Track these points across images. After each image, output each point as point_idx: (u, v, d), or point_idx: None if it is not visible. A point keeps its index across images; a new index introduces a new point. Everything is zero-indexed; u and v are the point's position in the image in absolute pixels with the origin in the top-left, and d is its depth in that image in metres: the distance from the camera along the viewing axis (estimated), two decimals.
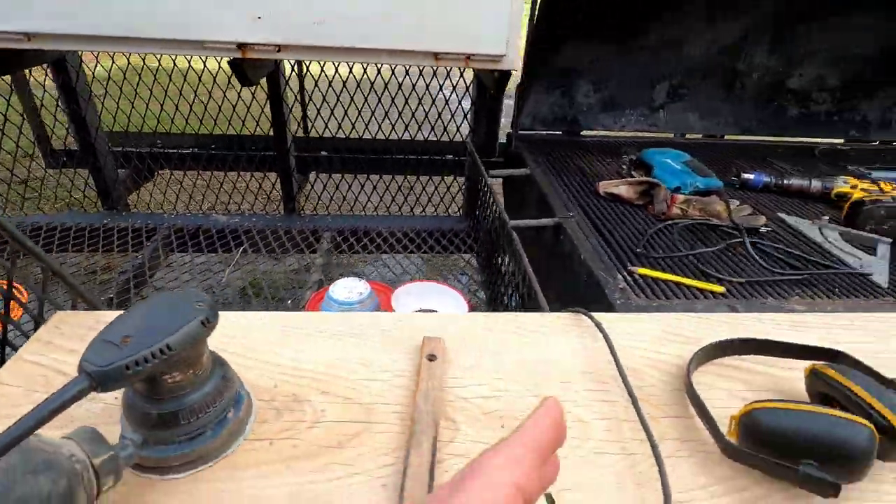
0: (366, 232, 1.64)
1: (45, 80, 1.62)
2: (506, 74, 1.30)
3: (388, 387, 0.61)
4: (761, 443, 0.50)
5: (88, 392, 0.42)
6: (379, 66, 1.68)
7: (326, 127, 1.83)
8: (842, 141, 1.87)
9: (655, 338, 0.69)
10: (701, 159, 1.31)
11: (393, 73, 1.76)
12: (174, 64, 1.78)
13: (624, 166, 1.34)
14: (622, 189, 1.19)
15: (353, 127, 1.79)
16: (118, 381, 0.42)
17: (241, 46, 1.13)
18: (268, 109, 1.57)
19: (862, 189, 1.15)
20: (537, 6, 1.38)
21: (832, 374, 0.56)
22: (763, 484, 0.51)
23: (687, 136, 1.83)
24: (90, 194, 1.72)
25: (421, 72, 1.70)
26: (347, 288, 1.23)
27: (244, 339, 0.65)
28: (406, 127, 1.78)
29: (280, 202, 1.78)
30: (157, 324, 0.45)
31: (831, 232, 1.09)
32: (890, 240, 1.05)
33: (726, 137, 1.85)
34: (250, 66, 1.27)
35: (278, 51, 1.15)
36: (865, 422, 0.49)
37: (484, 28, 1.15)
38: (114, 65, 1.75)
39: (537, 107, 1.64)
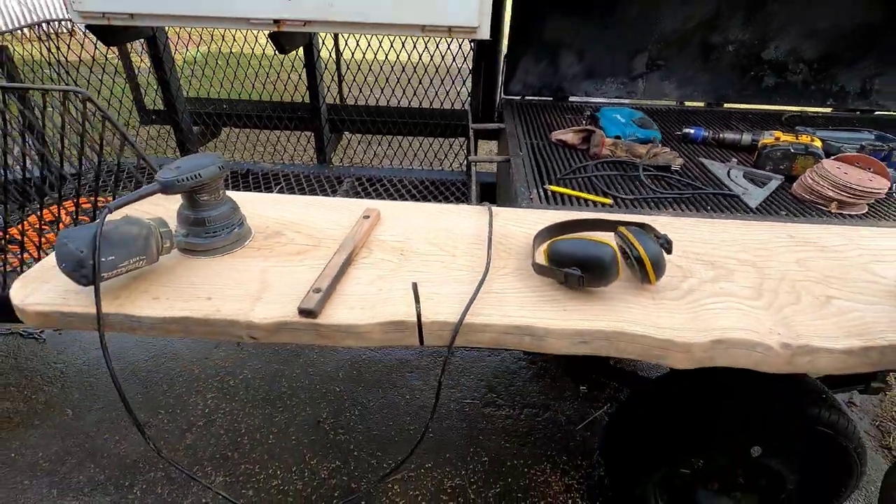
0: (379, 180, 1.99)
1: (140, 61, 2.11)
2: (482, 43, 1.58)
3: (336, 231, 0.95)
4: (554, 260, 0.80)
5: (158, 192, 0.79)
6: (403, 41, 2.04)
7: (361, 93, 2.20)
8: (829, 110, 1.98)
9: (532, 221, 0.98)
10: (669, 120, 1.53)
11: (413, 48, 2.09)
12: (241, 50, 2.22)
13: (583, 121, 1.59)
14: (568, 136, 1.45)
15: (383, 94, 2.15)
16: (173, 188, 0.79)
17: (277, 22, 1.51)
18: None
19: (778, 139, 1.34)
20: None
21: (621, 229, 0.84)
22: (552, 285, 0.81)
23: (686, 103, 2.00)
24: (172, 143, 2.20)
25: (437, 47, 2.02)
26: None
27: (256, 205, 1.02)
28: (427, 95, 2.10)
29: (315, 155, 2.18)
30: (194, 165, 0.81)
31: (738, 171, 1.30)
32: (781, 177, 1.25)
33: (718, 106, 2.02)
34: (285, 38, 1.64)
35: (304, 25, 1.51)
36: (611, 244, 0.77)
37: (460, 5, 1.44)
38: (192, 51, 2.21)
39: (526, 75, 1.90)
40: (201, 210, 0.85)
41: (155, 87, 2.06)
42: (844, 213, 1.15)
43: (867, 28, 1.81)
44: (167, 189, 0.79)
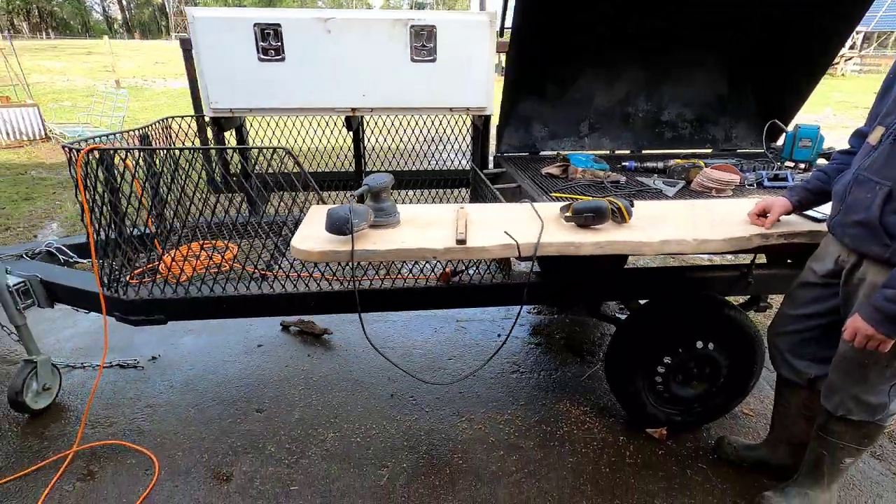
0: None
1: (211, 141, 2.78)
2: (487, 118, 2.41)
3: (440, 217, 1.65)
4: (576, 213, 1.52)
5: (368, 192, 1.47)
6: (425, 119, 2.85)
7: (390, 160, 2.95)
8: (710, 150, 2.95)
9: (551, 206, 1.72)
10: (610, 161, 2.38)
11: (432, 125, 2.90)
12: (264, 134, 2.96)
13: (558, 161, 2.41)
14: (553, 169, 2.25)
15: (415, 160, 2.92)
16: (373, 188, 1.48)
17: (353, 109, 2.26)
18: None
19: (679, 162, 2.20)
20: (505, 82, 2.52)
21: (609, 198, 1.60)
22: (572, 229, 1.53)
23: (618, 152, 2.90)
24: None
25: (448, 123, 2.85)
26: None
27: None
28: (435, 159, 2.89)
29: None
30: (381, 178, 1.50)
31: (658, 181, 2.14)
32: (683, 181, 2.10)
33: (640, 152, 2.94)
34: (354, 120, 2.39)
35: (371, 110, 2.27)
36: (606, 203, 1.52)
37: (475, 94, 2.27)
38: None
39: (510, 139, 2.75)
40: (381, 202, 1.52)
41: (235, 162, 2.70)
42: (720, 196, 1.98)
43: (720, 98, 2.83)
44: (371, 189, 1.46)
